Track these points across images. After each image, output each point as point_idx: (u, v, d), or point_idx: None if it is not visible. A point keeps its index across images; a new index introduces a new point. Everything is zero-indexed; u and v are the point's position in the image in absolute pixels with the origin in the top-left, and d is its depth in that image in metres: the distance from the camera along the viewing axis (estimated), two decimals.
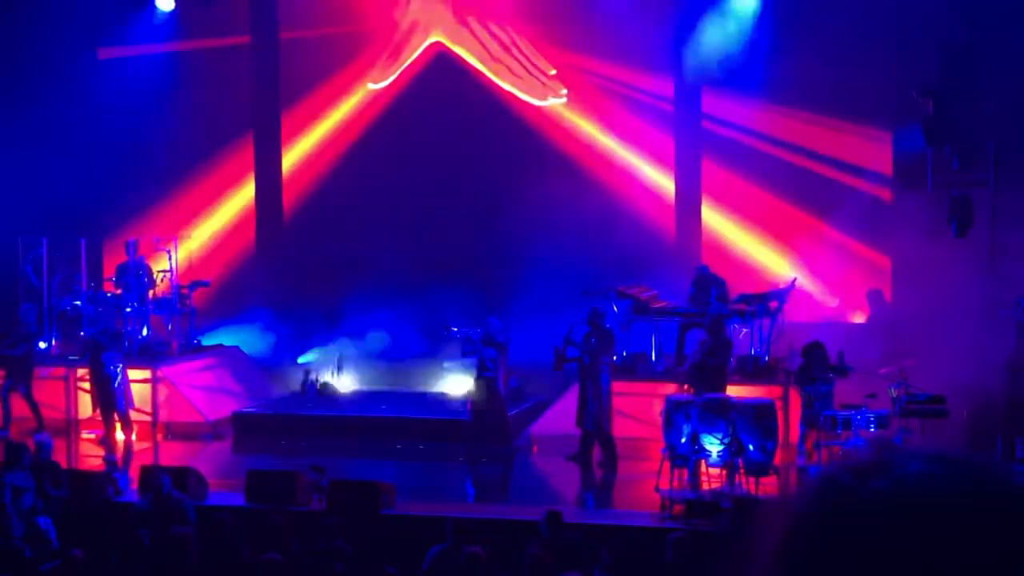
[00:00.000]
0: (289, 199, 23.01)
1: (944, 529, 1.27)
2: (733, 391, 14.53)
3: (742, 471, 13.07)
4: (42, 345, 18.42)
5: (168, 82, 22.56)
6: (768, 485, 13.05)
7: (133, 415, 16.63)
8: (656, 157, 21.50)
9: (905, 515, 1.29)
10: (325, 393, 18.94)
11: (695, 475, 13.21)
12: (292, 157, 23.20)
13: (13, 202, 20.34)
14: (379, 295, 21.01)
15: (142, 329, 18.60)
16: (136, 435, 16.70)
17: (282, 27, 22.67)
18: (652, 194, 21.45)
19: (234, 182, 23.12)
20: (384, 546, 11.71)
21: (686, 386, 14.90)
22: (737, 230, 21.07)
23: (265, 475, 13.33)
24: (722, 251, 20.58)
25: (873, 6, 19.12)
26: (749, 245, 20.98)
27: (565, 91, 22.37)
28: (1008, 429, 13.56)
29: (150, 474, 12.75)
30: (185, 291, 19.21)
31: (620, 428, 15.40)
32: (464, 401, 16.63)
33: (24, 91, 21.03)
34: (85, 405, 17.48)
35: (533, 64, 22.54)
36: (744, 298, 16.99)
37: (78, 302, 18.64)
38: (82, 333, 18.15)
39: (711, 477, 13.37)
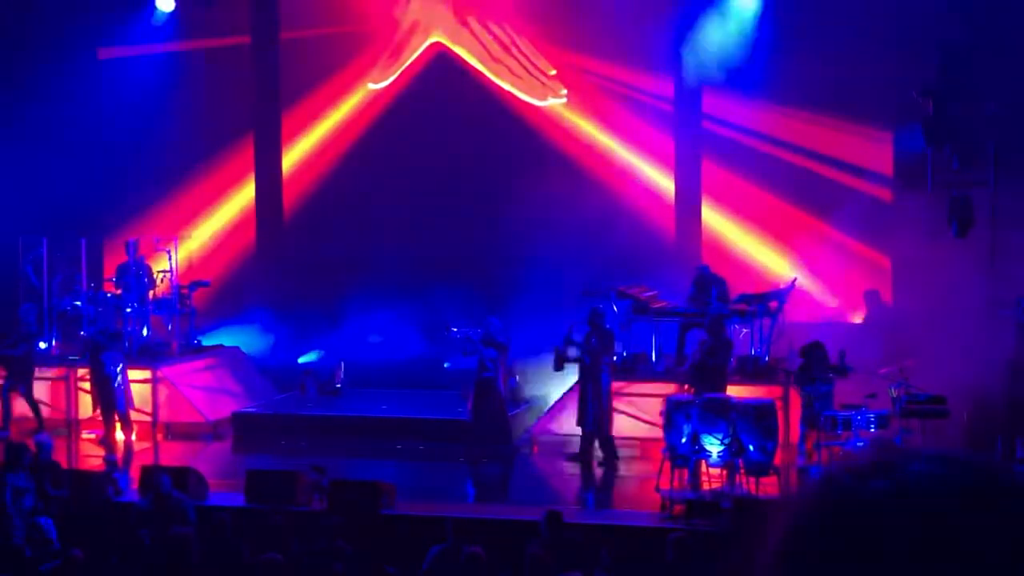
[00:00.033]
0: (289, 199, 23.01)
1: (945, 529, 1.27)
2: (733, 391, 14.53)
3: (742, 471, 13.07)
4: (42, 345, 18.43)
5: (168, 82, 22.57)
6: (768, 485, 13.05)
7: (133, 415, 16.64)
8: (656, 157, 21.50)
9: (906, 515, 1.29)
10: (325, 393, 18.94)
11: (695, 475, 13.21)
12: (292, 157, 23.20)
13: (13, 202, 20.35)
14: (379, 295, 21.02)
15: (142, 329, 18.60)
16: (136, 435, 16.70)
17: (282, 27, 22.67)
18: (652, 194, 21.44)
19: (234, 182, 23.12)
20: (384, 546, 11.72)
21: (686, 386, 14.90)
22: (737, 230, 21.07)
23: (265, 475, 13.34)
24: (722, 251, 20.56)
25: (873, 6, 19.12)
26: (749, 245, 20.97)
27: (565, 91, 22.37)
28: (1009, 429, 13.56)
29: (150, 474, 12.76)
30: (185, 291, 19.22)
31: (620, 428, 15.40)
32: (464, 401, 16.63)
33: (24, 91, 21.02)
34: (85, 405, 17.48)
35: (533, 64, 22.54)
36: (744, 298, 16.99)
37: (78, 302, 18.64)
38: (82, 333, 18.15)
39: (711, 477, 13.37)
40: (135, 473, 14.01)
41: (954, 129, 15.96)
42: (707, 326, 15.35)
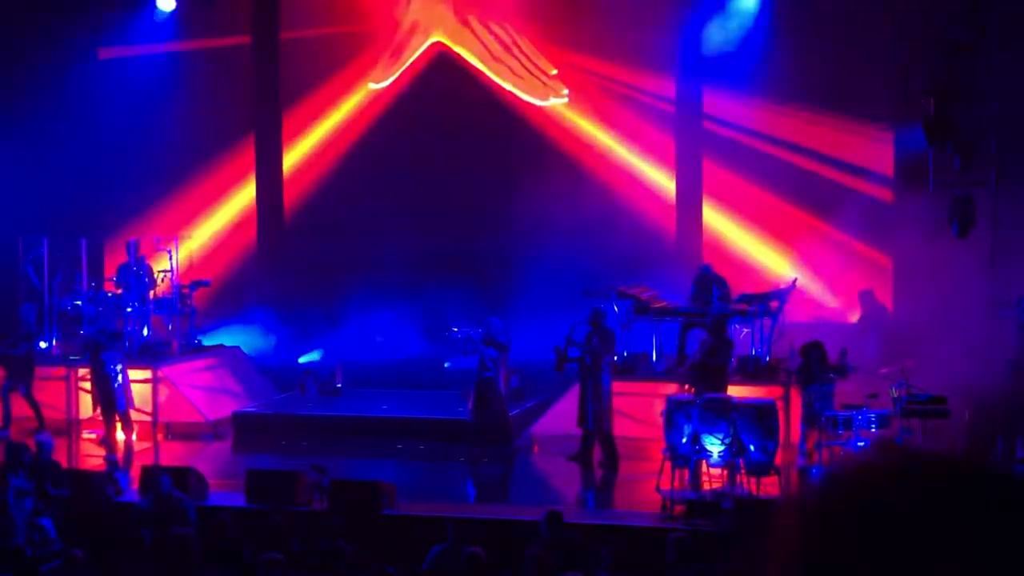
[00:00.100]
0: (290, 199, 23.01)
1: (949, 529, 1.27)
2: (734, 391, 14.53)
3: (743, 471, 13.06)
4: (43, 345, 18.44)
5: (168, 82, 22.58)
6: (769, 485, 13.04)
7: (134, 415, 16.63)
8: (657, 157, 21.50)
9: (908, 515, 1.28)
10: (325, 393, 18.93)
11: (696, 475, 13.19)
12: (293, 157, 23.20)
13: (14, 202, 20.36)
14: (379, 295, 21.03)
15: (143, 329, 18.60)
16: (137, 435, 16.69)
17: (282, 27, 22.68)
18: (653, 194, 21.44)
19: (235, 182, 23.12)
20: (385, 546, 11.71)
21: (687, 386, 14.89)
22: (738, 230, 21.06)
23: (266, 475, 13.33)
24: (723, 251, 20.56)
25: (874, 5, 19.12)
26: (750, 245, 20.97)
27: (566, 91, 22.37)
28: (1009, 429, 13.54)
29: (151, 474, 12.76)
30: (186, 291, 19.22)
31: (621, 428, 15.39)
32: (464, 401, 16.62)
33: (24, 91, 21.02)
34: (86, 405, 17.48)
35: (534, 64, 22.54)
36: (745, 298, 16.99)
37: (79, 302, 18.64)
38: (82, 332, 18.15)
39: (712, 477, 13.35)
40: (135, 473, 14.01)
41: (955, 129, 15.94)
42: (708, 326, 15.34)
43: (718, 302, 16.56)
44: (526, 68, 22.57)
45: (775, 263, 20.53)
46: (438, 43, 23.06)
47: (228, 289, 21.88)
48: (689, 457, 13.09)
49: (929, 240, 16.83)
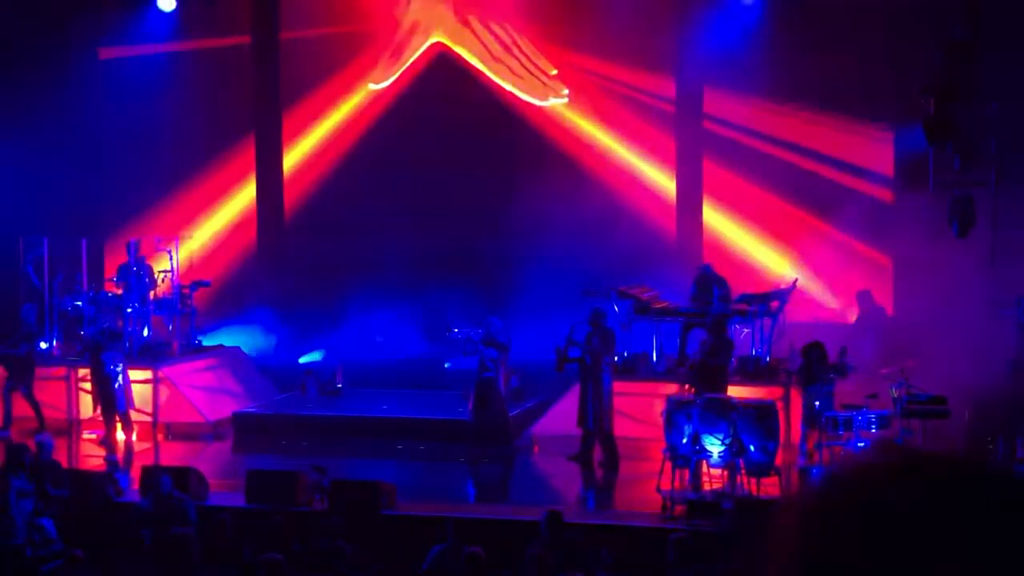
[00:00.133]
0: (290, 199, 23.01)
1: (949, 529, 1.27)
2: (734, 391, 14.53)
3: (743, 472, 13.06)
4: (43, 345, 18.44)
5: (168, 82, 22.58)
6: (769, 486, 13.04)
7: (134, 415, 16.63)
8: (657, 157, 21.50)
9: (909, 515, 1.28)
10: (326, 393, 18.94)
11: (696, 475, 13.19)
12: (293, 157, 23.20)
13: (14, 202, 20.36)
14: (379, 295, 21.03)
15: (143, 329, 18.61)
16: (137, 435, 16.69)
17: (282, 27, 22.67)
18: (653, 194, 21.45)
19: (235, 182, 23.12)
20: (385, 546, 11.72)
21: (687, 386, 14.90)
22: (738, 230, 21.07)
23: (266, 475, 13.33)
24: (723, 251, 20.57)
25: (874, 5, 19.13)
26: (750, 245, 20.97)
27: (566, 91, 22.37)
28: (1009, 429, 13.55)
29: (151, 474, 12.76)
30: (186, 291, 19.22)
31: (621, 428, 15.39)
32: (465, 401, 16.63)
33: (24, 91, 21.03)
34: (86, 405, 17.49)
35: (534, 64, 22.54)
36: (745, 298, 16.99)
37: (79, 302, 18.64)
38: (83, 333, 18.16)
39: (712, 478, 13.35)
40: (136, 473, 14.01)
41: (955, 129, 15.94)
42: (709, 326, 15.34)
43: (718, 302, 16.56)
44: (526, 68, 22.57)
45: (775, 263, 20.54)
46: (438, 43, 23.06)
47: (228, 289, 21.88)
48: (689, 457, 13.09)
49: (929, 240, 16.84)
